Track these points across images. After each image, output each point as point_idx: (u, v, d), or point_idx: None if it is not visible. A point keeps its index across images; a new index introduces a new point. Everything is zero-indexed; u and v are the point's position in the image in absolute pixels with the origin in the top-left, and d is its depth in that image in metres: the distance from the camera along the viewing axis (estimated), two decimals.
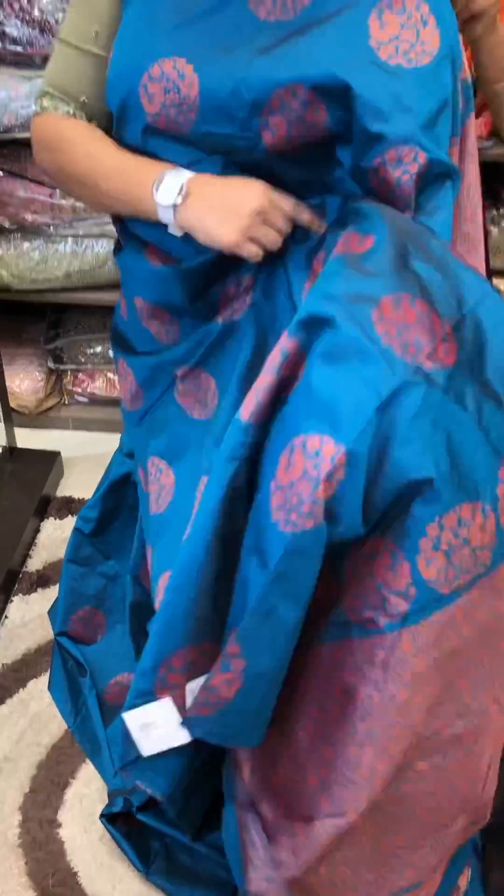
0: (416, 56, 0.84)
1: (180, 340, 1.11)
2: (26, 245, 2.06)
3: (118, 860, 1.41)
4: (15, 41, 1.74)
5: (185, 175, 0.93)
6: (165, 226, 0.97)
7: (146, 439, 1.17)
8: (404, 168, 0.88)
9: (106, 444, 2.32)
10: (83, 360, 2.33)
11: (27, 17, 1.70)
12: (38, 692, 1.66)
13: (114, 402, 2.37)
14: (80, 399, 2.39)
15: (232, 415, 0.88)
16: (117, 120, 1.00)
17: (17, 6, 1.69)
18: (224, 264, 1.00)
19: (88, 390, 2.36)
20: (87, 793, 1.50)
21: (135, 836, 1.36)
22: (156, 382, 1.14)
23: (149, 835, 1.36)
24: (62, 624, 1.57)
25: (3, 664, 1.71)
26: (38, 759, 1.56)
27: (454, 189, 0.92)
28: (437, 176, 0.90)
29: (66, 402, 2.39)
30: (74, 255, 2.07)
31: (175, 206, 0.91)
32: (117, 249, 1.18)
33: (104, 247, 2.07)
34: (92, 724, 1.50)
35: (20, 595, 1.86)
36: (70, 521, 2.08)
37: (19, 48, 1.75)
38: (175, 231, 0.96)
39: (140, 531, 1.40)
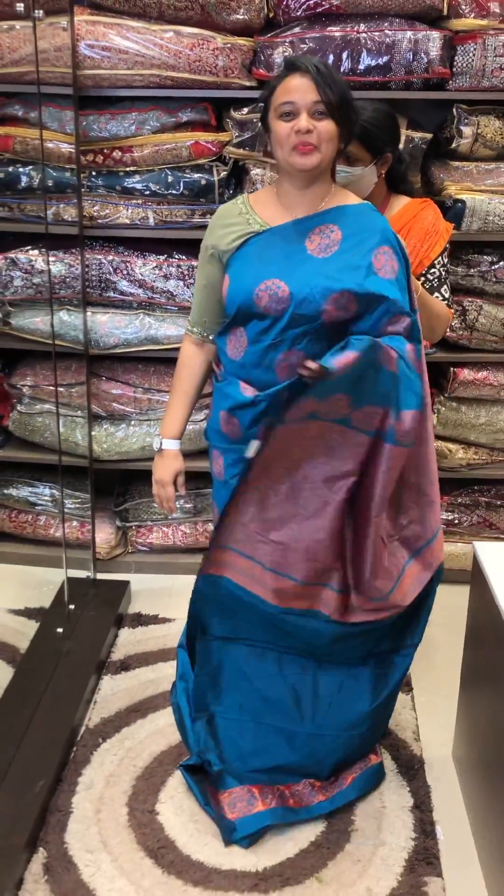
0: (391, 273, 1.71)
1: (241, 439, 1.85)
2: (113, 428, 2.86)
3: (203, 832, 1.90)
4: (122, 293, 2.67)
5: (158, 441, 2.00)
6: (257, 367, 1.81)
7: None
8: (398, 327, 1.72)
9: (161, 581, 2.98)
10: (144, 517, 3.05)
11: (131, 279, 2.64)
12: (130, 734, 2.21)
13: (167, 550, 3.06)
14: (141, 548, 3.07)
15: None
16: (235, 314, 1.80)
17: (125, 272, 2.64)
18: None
19: (148, 541, 3.06)
20: (174, 795, 2.02)
21: (201, 782, 2.01)
22: (235, 463, 1.88)
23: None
24: (182, 639, 2.17)
25: (101, 717, 2.26)
26: (135, 774, 2.08)
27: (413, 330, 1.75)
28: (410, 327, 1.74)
29: (130, 550, 3.07)
30: (147, 434, 2.87)
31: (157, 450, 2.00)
32: (216, 380, 1.97)
33: None
34: (181, 715, 2.12)
35: (108, 675, 2.44)
36: (140, 631, 2.69)
37: (125, 297, 2.68)
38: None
39: None
